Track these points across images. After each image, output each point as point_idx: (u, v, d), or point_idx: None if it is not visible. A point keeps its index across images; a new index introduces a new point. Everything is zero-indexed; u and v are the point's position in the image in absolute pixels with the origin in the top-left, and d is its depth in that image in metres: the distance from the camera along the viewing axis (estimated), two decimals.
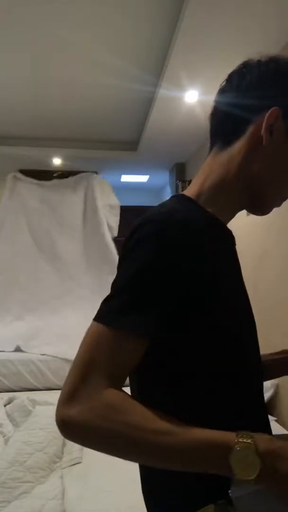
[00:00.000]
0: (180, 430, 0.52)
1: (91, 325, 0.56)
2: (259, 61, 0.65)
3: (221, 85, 0.69)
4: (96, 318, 0.56)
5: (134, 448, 0.52)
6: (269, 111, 0.61)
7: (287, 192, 0.68)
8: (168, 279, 0.55)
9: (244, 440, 0.50)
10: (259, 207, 0.69)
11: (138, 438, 0.51)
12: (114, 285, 0.58)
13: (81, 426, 0.51)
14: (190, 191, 0.68)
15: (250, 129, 0.63)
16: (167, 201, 0.66)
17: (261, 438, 0.51)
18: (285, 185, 0.67)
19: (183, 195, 0.67)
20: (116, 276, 0.59)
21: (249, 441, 0.50)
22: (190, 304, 0.56)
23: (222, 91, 0.68)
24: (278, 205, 0.69)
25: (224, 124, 0.67)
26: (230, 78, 0.68)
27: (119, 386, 0.54)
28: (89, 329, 0.56)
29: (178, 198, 0.67)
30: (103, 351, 0.54)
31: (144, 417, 0.52)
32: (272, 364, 0.79)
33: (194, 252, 0.57)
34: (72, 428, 0.52)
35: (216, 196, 0.66)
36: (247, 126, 0.64)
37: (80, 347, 0.56)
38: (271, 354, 0.81)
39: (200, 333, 0.59)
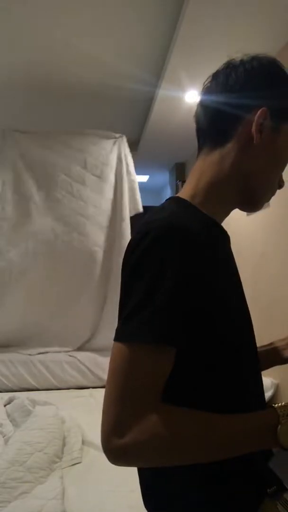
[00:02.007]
0: (231, 421, 0.56)
1: (116, 347, 0.55)
2: (242, 60, 0.66)
3: (204, 84, 0.69)
4: (121, 338, 0.55)
5: (195, 452, 0.55)
6: (259, 111, 0.62)
7: (276, 188, 0.70)
8: (181, 285, 0.54)
9: (286, 413, 0.55)
10: (252, 204, 0.71)
11: (198, 443, 0.54)
12: (129, 301, 0.56)
13: (142, 451, 0.53)
14: (184, 193, 0.68)
15: (240, 129, 0.64)
16: (166, 204, 0.66)
17: None
18: (274, 181, 0.69)
19: (179, 198, 0.67)
20: (126, 291, 0.57)
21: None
22: (198, 307, 0.57)
23: (207, 91, 0.68)
24: (268, 200, 0.71)
25: (214, 124, 0.68)
26: (215, 78, 0.68)
27: (160, 399, 0.54)
28: (115, 351, 0.55)
29: (175, 201, 0.67)
30: (141, 372, 0.53)
31: (198, 422, 0.55)
32: (262, 355, 0.80)
33: (198, 257, 0.57)
34: (132, 456, 0.53)
35: (210, 196, 0.66)
36: (237, 125, 0.64)
37: (112, 372, 0.55)
38: (261, 346, 0.82)
39: (202, 335, 0.59)
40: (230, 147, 0.65)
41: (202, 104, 0.69)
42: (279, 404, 0.57)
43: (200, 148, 0.71)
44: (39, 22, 2.18)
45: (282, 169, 0.69)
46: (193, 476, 0.60)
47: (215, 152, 0.67)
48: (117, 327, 0.57)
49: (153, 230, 0.56)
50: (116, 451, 0.52)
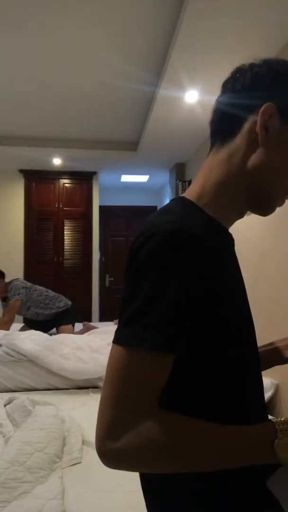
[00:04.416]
0: (228, 432, 0.55)
1: (116, 350, 0.55)
2: (252, 64, 0.66)
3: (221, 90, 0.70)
4: (122, 341, 0.55)
5: (190, 462, 0.54)
6: (263, 107, 0.61)
7: (287, 187, 0.67)
8: (184, 294, 0.54)
9: (283, 428, 0.55)
10: (261, 205, 0.68)
11: (193, 452, 0.53)
12: (131, 303, 0.55)
13: (136, 456, 0.52)
14: (191, 192, 0.67)
15: (247, 126, 0.64)
16: (171, 205, 0.65)
17: None
18: (285, 180, 0.66)
19: (185, 198, 0.66)
20: (129, 294, 0.56)
21: (287, 427, 0.55)
22: (201, 317, 0.56)
23: (220, 94, 0.69)
24: (280, 204, 0.69)
25: (221, 123, 0.68)
26: (225, 84, 0.69)
27: (157, 406, 0.54)
28: (114, 354, 0.55)
29: (180, 201, 0.66)
30: (139, 378, 0.53)
31: (193, 432, 0.54)
32: (262, 355, 0.80)
33: (203, 265, 0.56)
34: (126, 460, 0.53)
35: (218, 196, 0.65)
36: (243, 123, 0.64)
37: (110, 374, 0.54)
38: (261, 346, 0.82)
39: (205, 344, 0.58)
40: (238, 145, 0.65)
41: (215, 107, 0.70)
42: (278, 419, 0.56)
43: (211, 148, 0.70)
44: (38, 19, 2.18)
45: None
46: (196, 485, 0.60)
47: (223, 150, 0.66)
48: (117, 329, 0.57)
49: (157, 234, 0.55)
50: (110, 454, 0.52)
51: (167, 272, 0.53)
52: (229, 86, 0.67)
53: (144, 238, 0.56)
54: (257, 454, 0.54)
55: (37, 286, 3.74)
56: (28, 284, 3.69)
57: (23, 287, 3.57)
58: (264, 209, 0.69)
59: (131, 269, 0.57)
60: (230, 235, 0.69)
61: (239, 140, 0.64)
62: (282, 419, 0.56)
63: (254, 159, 0.63)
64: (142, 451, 0.52)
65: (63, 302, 3.72)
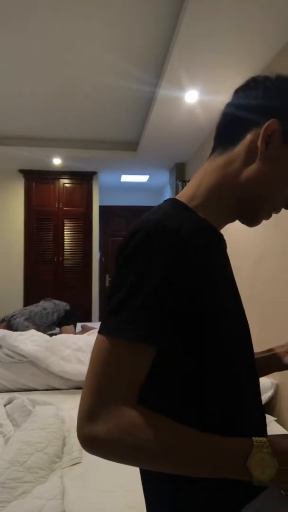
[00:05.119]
0: (204, 440, 0.55)
1: (99, 339, 0.57)
2: (266, 77, 0.67)
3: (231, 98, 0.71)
4: (105, 331, 0.57)
5: (159, 461, 0.54)
6: (268, 122, 0.62)
7: (276, 204, 0.69)
8: (165, 286, 0.55)
9: (259, 444, 0.54)
10: (249, 216, 0.70)
11: (164, 452, 0.54)
12: (116, 294, 0.57)
13: (109, 443, 0.53)
14: (183, 194, 0.69)
15: (249, 137, 0.65)
16: (161, 205, 0.67)
17: (274, 441, 0.55)
18: (278, 198, 0.68)
19: (175, 200, 0.67)
20: (115, 285, 0.59)
21: (264, 444, 0.54)
22: (185, 311, 0.57)
23: (229, 101, 0.70)
24: (266, 217, 0.70)
25: (225, 130, 0.69)
26: (236, 92, 0.70)
27: (136, 397, 0.56)
28: (98, 343, 0.57)
29: (171, 202, 0.67)
30: (119, 365, 0.55)
31: (168, 431, 0.55)
32: (262, 361, 0.80)
33: (187, 260, 0.57)
34: (99, 445, 0.54)
35: (209, 199, 0.66)
36: (246, 134, 0.65)
37: (93, 362, 0.57)
38: (260, 352, 0.83)
39: (192, 339, 0.59)
40: (237, 154, 0.66)
41: (223, 111, 0.70)
42: (258, 438, 0.55)
43: (211, 153, 0.71)
44: (38, 19, 2.18)
45: None
46: (197, 490, 0.60)
47: (222, 157, 0.68)
48: (102, 320, 0.59)
49: (144, 229, 0.58)
50: (87, 438, 0.54)
51: (149, 266, 0.55)
52: (240, 94, 0.68)
53: (131, 234, 0.59)
54: (230, 466, 0.54)
55: (33, 307, 3.70)
56: (27, 312, 3.62)
57: (25, 319, 3.51)
58: (251, 220, 0.70)
59: (118, 262, 0.60)
60: (222, 237, 0.69)
61: (239, 149, 0.66)
62: (262, 439, 0.55)
63: (249, 170, 0.65)
64: (118, 442, 0.53)
65: (62, 309, 3.79)
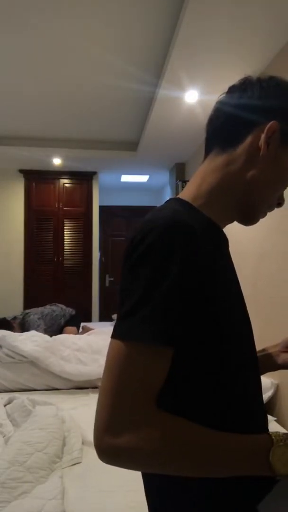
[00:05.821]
0: (228, 440, 0.55)
1: (114, 344, 0.55)
2: (259, 78, 0.67)
3: (220, 96, 0.70)
4: (119, 336, 0.54)
5: (185, 466, 0.53)
6: (269, 123, 0.63)
7: (271, 203, 0.70)
8: (184, 285, 0.54)
9: (278, 439, 0.55)
10: (248, 216, 0.70)
11: (191, 457, 0.53)
12: (130, 296, 0.55)
13: (134, 455, 0.52)
14: (186, 194, 0.68)
15: (250, 138, 0.65)
16: (167, 204, 0.66)
17: None
18: (273, 195, 0.69)
19: (180, 199, 0.67)
20: (128, 285, 0.56)
21: (282, 438, 0.55)
22: (200, 308, 0.57)
23: (223, 99, 0.70)
24: (263, 216, 0.71)
25: (225, 128, 0.68)
26: (231, 90, 0.69)
27: (155, 402, 0.54)
28: (113, 348, 0.55)
29: (176, 200, 0.67)
30: (137, 369, 0.53)
31: (192, 436, 0.54)
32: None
33: (202, 256, 0.57)
34: (123, 457, 0.52)
35: (212, 199, 0.66)
36: (247, 135, 0.65)
37: (109, 368, 0.54)
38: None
39: (203, 337, 0.59)
40: (237, 154, 0.66)
41: (216, 109, 0.70)
42: (273, 432, 0.57)
43: (206, 152, 0.71)
44: (38, 19, 2.18)
45: (285, 187, 0.70)
46: (201, 489, 0.60)
47: (222, 156, 0.67)
48: (115, 323, 0.57)
49: (159, 227, 0.56)
50: (109, 451, 0.52)
51: (165, 265, 0.54)
52: (236, 94, 0.68)
53: (143, 233, 0.56)
54: (253, 463, 0.54)
55: (42, 308, 3.73)
56: (39, 311, 3.64)
57: (38, 318, 3.53)
58: (249, 220, 0.71)
59: (130, 263, 0.57)
60: (225, 236, 0.70)
61: (239, 150, 0.66)
62: (279, 432, 0.57)
63: (252, 171, 0.65)
64: (142, 452, 0.52)
65: (68, 314, 3.81)
